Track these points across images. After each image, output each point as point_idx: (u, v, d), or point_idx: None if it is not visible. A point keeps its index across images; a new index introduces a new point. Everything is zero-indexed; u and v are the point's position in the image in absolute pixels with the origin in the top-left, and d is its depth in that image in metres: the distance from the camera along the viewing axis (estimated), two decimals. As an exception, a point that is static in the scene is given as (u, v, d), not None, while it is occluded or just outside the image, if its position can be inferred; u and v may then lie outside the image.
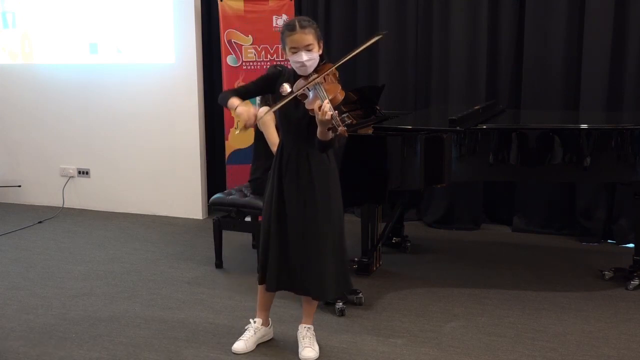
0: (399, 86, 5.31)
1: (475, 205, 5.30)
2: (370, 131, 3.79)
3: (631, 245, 4.53)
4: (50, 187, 6.07)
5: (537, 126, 3.87)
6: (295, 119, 2.95)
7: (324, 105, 2.69)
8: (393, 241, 4.77)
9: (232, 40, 5.33)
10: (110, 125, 5.80)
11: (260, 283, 3.20)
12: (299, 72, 2.92)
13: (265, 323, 3.31)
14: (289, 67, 3.09)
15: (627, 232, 4.80)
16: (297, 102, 2.87)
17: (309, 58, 2.87)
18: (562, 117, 4.60)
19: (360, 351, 3.22)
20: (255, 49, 5.32)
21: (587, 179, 4.40)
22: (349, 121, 2.66)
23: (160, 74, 5.57)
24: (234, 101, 2.94)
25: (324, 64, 2.93)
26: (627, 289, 3.96)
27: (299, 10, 5.47)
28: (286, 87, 2.88)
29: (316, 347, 3.18)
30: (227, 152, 5.47)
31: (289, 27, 2.89)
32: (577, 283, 4.09)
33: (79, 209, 5.99)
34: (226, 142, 5.47)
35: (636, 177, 3.78)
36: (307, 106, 2.80)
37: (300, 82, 2.88)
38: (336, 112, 2.69)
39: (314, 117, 2.78)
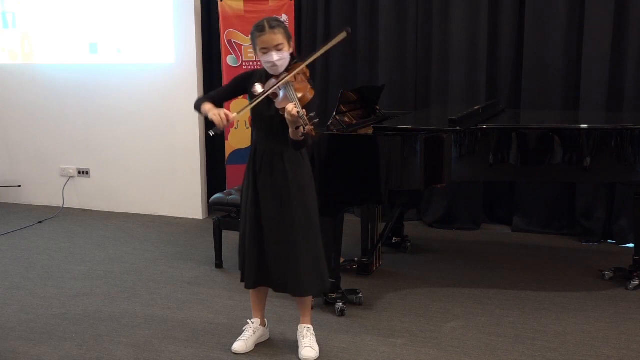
0: (399, 86, 5.31)
1: (475, 205, 5.30)
2: (370, 131, 3.79)
3: (631, 245, 4.54)
4: (50, 187, 6.07)
5: (537, 126, 3.86)
6: (268, 117, 2.99)
7: (289, 105, 2.75)
8: (393, 241, 4.77)
9: (232, 40, 5.34)
10: (110, 125, 5.80)
11: (242, 281, 3.23)
12: (270, 72, 2.97)
13: (262, 323, 3.31)
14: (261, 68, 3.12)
15: (627, 232, 4.80)
16: (270, 101, 2.92)
17: (280, 57, 2.92)
18: (562, 117, 4.60)
19: (360, 351, 3.22)
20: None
21: (587, 179, 4.39)
22: (317, 120, 2.72)
23: (160, 74, 5.57)
24: (206, 107, 3.02)
25: (295, 63, 2.98)
26: (627, 289, 3.96)
27: (299, 10, 5.48)
28: (258, 87, 2.94)
29: (316, 347, 3.18)
30: (227, 152, 5.48)
31: (259, 28, 2.95)
32: (577, 283, 4.09)
33: (79, 209, 5.99)
34: (226, 142, 5.48)
35: (636, 177, 3.78)
36: (277, 105, 2.86)
37: (271, 82, 2.93)
38: (304, 111, 2.75)
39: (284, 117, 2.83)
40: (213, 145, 5.78)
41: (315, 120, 2.74)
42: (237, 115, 2.92)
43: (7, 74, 6.06)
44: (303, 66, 2.92)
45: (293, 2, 5.32)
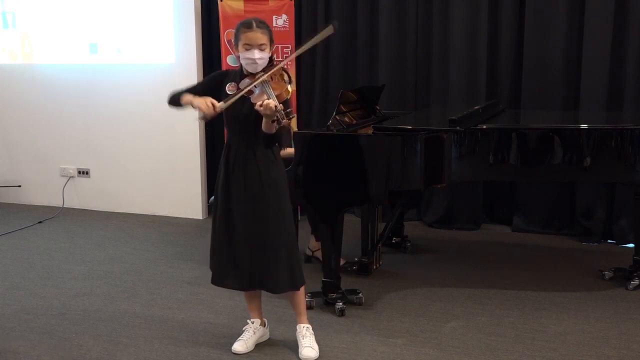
0: (399, 86, 5.31)
1: (475, 205, 5.30)
2: (370, 131, 3.79)
3: (631, 245, 4.53)
4: (50, 187, 6.07)
5: (537, 126, 3.87)
6: (242, 116, 3.00)
7: (266, 99, 2.78)
8: (393, 241, 4.77)
9: (232, 40, 5.32)
10: (110, 125, 5.80)
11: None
12: (248, 68, 3.00)
13: (262, 323, 3.32)
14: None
15: (627, 232, 4.80)
16: (244, 100, 2.94)
17: (261, 57, 2.96)
18: (562, 117, 4.60)
19: (360, 351, 3.22)
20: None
21: (587, 179, 4.40)
22: (293, 116, 2.76)
23: (160, 74, 5.56)
24: (187, 97, 3.01)
25: (270, 65, 3.00)
26: (627, 289, 3.96)
27: (299, 10, 5.47)
28: (233, 86, 2.96)
29: (316, 347, 3.18)
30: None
31: (246, 25, 2.99)
32: (577, 283, 4.09)
33: (79, 209, 5.99)
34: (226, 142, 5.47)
35: (636, 177, 3.78)
36: (253, 100, 2.88)
37: (246, 81, 2.95)
38: (281, 105, 2.79)
39: (259, 115, 2.85)
40: (213, 145, 5.78)
41: (292, 116, 2.80)
42: (223, 104, 2.92)
43: (7, 74, 6.06)
44: (280, 66, 2.96)
45: (293, 2, 5.32)
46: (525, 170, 3.83)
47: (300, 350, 3.17)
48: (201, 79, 5.52)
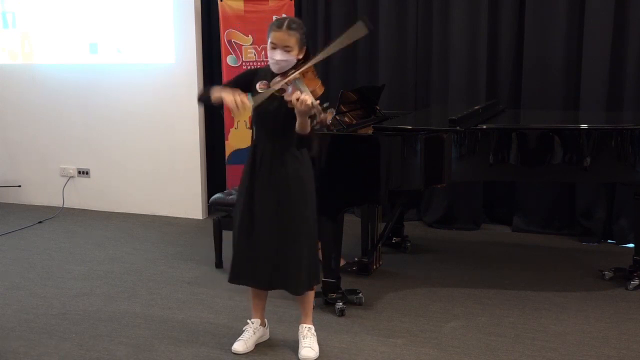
0: (399, 86, 5.31)
1: (475, 205, 5.30)
2: (370, 131, 3.79)
3: (631, 245, 4.53)
4: (50, 187, 6.07)
5: (537, 126, 3.87)
6: (270, 114, 2.97)
7: (302, 94, 2.72)
8: (393, 241, 4.77)
9: (232, 40, 5.34)
10: (110, 125, 5.80)
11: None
12: (272, 68, 2.97)
13: (262, 323, 3.31)
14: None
15: (627, 232, 4.80)
16: (273, 98, 2.90)
17: (283, 59, 2.92)
18: (562, 117, 4.60)
19: (360, 351, 3.22)
20: (255, 49, 5.33)
21: (587, 179, 4.40)
22: (331, 109, 2.72)
23: (160, 74, 5.57)
24: (218, 90, 2.89)
25: (301, 63, 2.94)
26: (627, 289, 3.96)
27: (299, 10, 5.47)
28: (264, 84, 2.93)
29: (316, 347, 3.18)
30: (227, 152, 5.48)
31: (277, 24, 2.94)
32: (577, 283, 4.09)
33: (79, 209, 5.99)
34: (226, 142, 5.47)
35: (636, 177, 3.78)
36: (286, 97, 2.82)
37: (277, 79, 2.91)
38: (317, 101, 2.74)
39: (288, 113, 2.83)
40: (213, 145, 5.78)
41: (330, 109, 2.74)
42: (253, 103, 2.85)
43: (7, 74, 6.06)
44: (310, 64, 2.88)
45: (293, 2, 5.32)
46: (525, 170, 3.83)
47: (300, 350, 3.17)
48: (201, 79, 5.54)
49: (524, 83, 5.01)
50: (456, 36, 5.11)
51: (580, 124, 3.93)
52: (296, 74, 2.84)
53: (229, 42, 5.33)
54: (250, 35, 5.31)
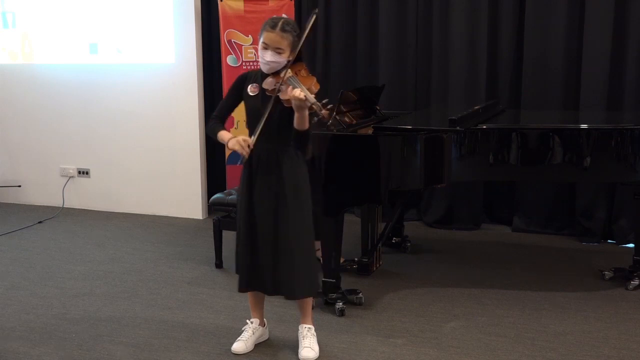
0: (399, 86, 5.31)
1: (475, 205, 5.30)
2: (370, 131, 3.79)
3: (631, 245, 4.53)
4: (50, 187, 6.07)
5: (537, 126, 3.86)
6: (265, 115, 2.96)
7: (298, 91, 2.75)
8: (393, 241, 4.77)
9: (232, 40, 5.34)
10: (110, 125, 5.80)
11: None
12: (262, 68, 2.98)
13: (261, 323, 3.31)
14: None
15: (627, 232, 4.80)
16: (266, 99, 2.91)
17: (274, 60, 2.93)
18: (562, 117, 4.60)
19: (360, 351, 3.22)
20: (255, 49, 5.32)
21: (587, 179, 4.40)
22: (331, 105, 2.73)
23: (160, 74, 5.57)
24: (223, 135, 3.06)
25: (291, 63, 2.96)
26: (627, 289, 3.96)
27: (299, 10, 5.47)
28: (255, 87, 2.95)
29: (316, 347, 3.18)
30: (227, 152, 5.47)
31: (271, 24, 2.96)
32: (577, 283, 4.09)
33: (79, 209, 5.99)
34: (226, 142, 5.47)
35: (636, 177, 3.78)
36: (282, 96, 2.84)
37: (270, 80, 2.92)
38: (314, 96, 2.76)
39: (283, 113, 2.86)
40: (213, 145, 5.78)
41: (329, 106, 2.75)
42: (254, 138, 2.92)
43: (7, 74, 6.06)
44: (297, 62, 2.93)
45: (293, 2, 5.32)
46: (525, 170, 3.83)
47: (299, 350, 3.17)
48: (201, 79, 5.54)
49: (524, 83, 5.01)
50: (456, 36, 5.11)
51: (580, 124, 3.93)
52: (289, 73, 2.87)
53: (229, 42, 5.33)
54: (250, 35, 5.31)
